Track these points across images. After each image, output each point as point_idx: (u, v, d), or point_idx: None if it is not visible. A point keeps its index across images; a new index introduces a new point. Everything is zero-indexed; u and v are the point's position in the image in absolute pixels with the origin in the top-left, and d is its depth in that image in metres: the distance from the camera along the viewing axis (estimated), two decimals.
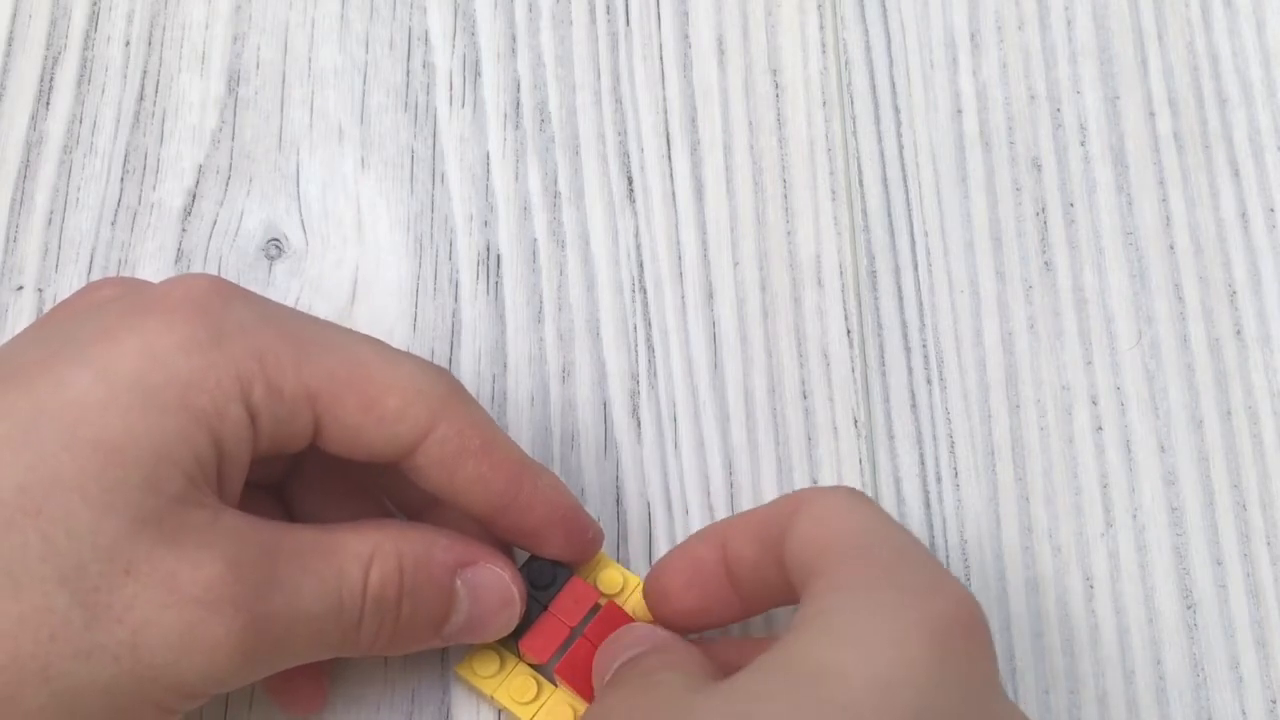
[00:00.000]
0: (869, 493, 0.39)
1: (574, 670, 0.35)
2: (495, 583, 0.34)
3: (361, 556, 0.32)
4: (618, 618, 0.35)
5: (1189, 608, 0.38)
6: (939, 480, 0.39)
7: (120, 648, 0.29)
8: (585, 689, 0.34)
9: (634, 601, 0.36)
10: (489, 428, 0.34)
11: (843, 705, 0.27)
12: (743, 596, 0.34)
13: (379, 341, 0.34)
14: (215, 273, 0.41)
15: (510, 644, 0.35)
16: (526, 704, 0.35)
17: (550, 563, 0.35)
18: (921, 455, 0.39)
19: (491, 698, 0.35)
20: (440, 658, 0.37)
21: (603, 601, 0.36)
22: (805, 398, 0.40)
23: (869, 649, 0.28)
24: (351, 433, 0.32)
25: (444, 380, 0.33)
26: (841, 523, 0.31)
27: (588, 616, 0.35)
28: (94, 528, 0.28)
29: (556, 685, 0.35)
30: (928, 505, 0.39)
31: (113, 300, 0.32)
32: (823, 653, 0.28)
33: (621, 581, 0.36)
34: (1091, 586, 0.38)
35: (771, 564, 0.33)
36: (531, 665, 0.35)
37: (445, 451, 0.33)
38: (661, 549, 0.38)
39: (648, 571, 0.35)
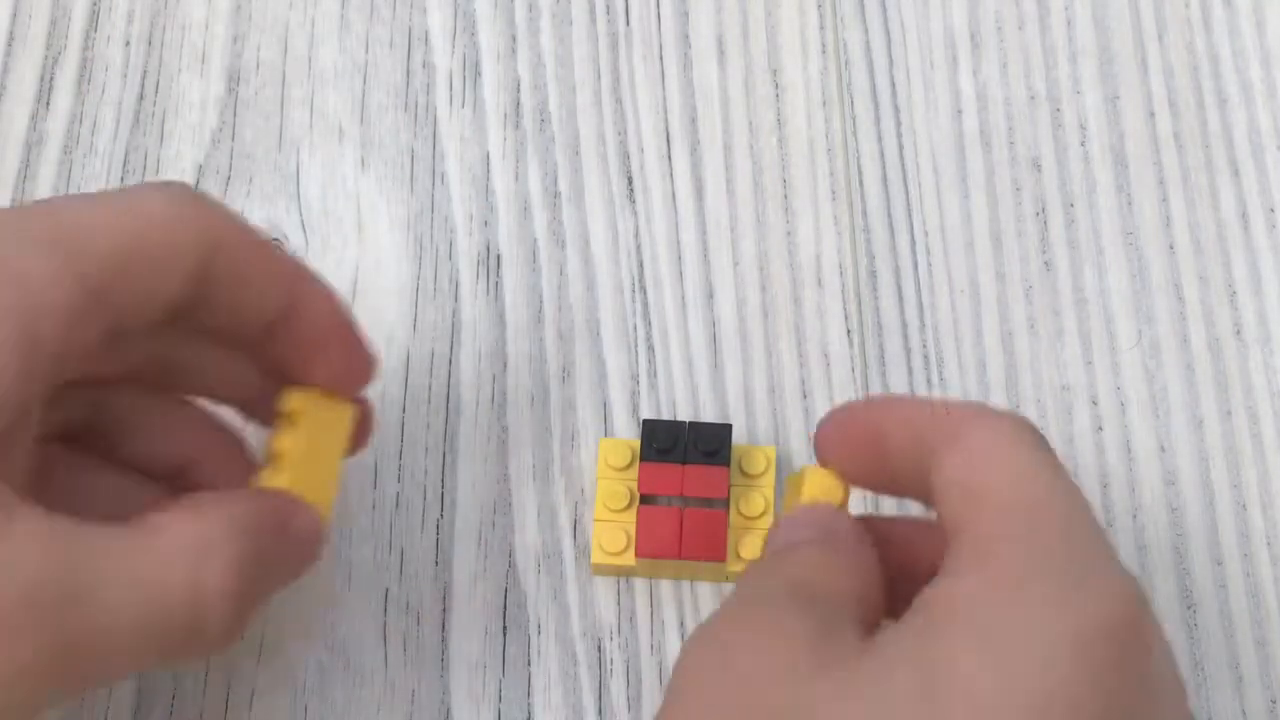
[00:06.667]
0: (869, 495, 0.39)
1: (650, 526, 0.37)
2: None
3: (187, 551, 0.28)
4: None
5: (1189, 608, 0.37)
6: None
7: None
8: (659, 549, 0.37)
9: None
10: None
11: None
12: (895, 478, 0.31)
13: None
14: None
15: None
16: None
17: (669, 423, 0.38)
18: None
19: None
20: (440, 658, 0.37)
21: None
22: (805, 397, 0.40)
23: (1014, 668, 0.25)
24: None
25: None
26: (1001, 471, 0.28)
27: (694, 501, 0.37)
28: None
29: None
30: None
31: None
32: (963, 661, 0.26)
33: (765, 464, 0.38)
34: None
35: (920, 472, 0.30)
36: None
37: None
38: None
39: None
